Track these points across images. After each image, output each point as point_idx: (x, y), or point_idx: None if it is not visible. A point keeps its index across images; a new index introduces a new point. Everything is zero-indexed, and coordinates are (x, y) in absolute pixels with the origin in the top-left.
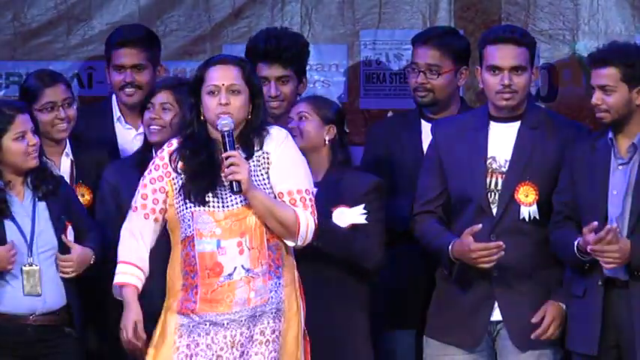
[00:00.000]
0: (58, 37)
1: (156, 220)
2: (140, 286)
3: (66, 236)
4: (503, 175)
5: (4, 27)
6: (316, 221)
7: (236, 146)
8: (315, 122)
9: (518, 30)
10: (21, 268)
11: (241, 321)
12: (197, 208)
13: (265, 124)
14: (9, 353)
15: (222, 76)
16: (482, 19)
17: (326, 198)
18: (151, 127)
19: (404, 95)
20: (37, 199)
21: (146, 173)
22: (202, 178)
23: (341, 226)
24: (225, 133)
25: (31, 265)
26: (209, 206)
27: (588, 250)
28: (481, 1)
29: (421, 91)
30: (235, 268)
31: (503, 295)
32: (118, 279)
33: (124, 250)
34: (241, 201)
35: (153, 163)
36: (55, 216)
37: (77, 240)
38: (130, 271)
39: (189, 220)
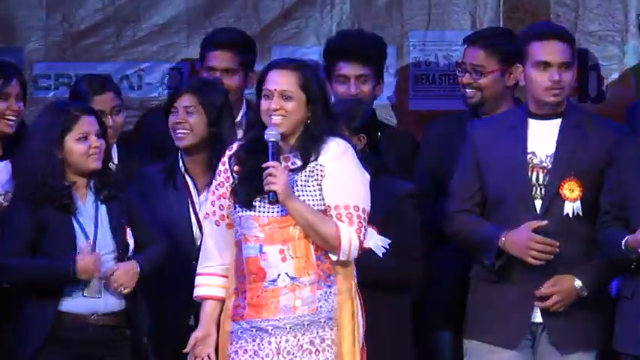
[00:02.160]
0: (107, 39)
1: (228, 225)
2: (220, 293)
3: (125, 239)
4: (545, 170)
5: (54, 28)
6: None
7: (285, 156)
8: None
9: (560, 26)
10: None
11: (286, 328)
12: (244, 213)
13: (327, 133)
14: (69, 352)
15: (276, 80)
16: (532, 20)
17: None
18: (177, 131)
19: (453, 96)
20: (99, 202)
21: (214, 180)
22: (251, 181)
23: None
24: (270, 144)
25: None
26: (254, 211)
27: None
28: (530, 2)
29: (468, 91)
30: (279, 275)
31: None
32: (195, 292)
33: (201, 261)
34: (284, 210)
35: (217, 169)
36: (115, 220)
37: (136, 247)
38: (207, 282)
39: (238, 225)
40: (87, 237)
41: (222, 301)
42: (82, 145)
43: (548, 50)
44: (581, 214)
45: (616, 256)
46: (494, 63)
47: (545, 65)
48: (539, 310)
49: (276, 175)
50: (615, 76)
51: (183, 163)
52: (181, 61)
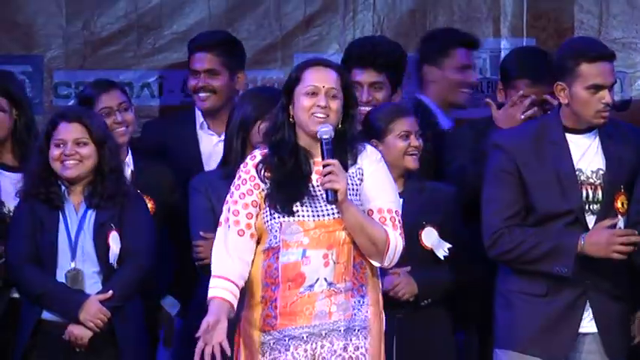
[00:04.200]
0: (128, 46)
1: (252, 235)
2: (232, 300)
3: (107, 243)
4: (592, 186)
5: (74, 36)
6: (404, 244)
7: (315, 160)
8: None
9: (604, 44)
10: (65, 274)
11: (322, 334)
12: (286, 219)
13: (359, 138)
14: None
15: (323, 78)
16: (555, 27)
17: (412, 208)
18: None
19: (476, 105)
20: (87, 207)
21: (233, 189)
22: (290, 187)
23: (426, 244)
24: (324, 141)
25: (74, 270)
26: (298, 216)
27: None
28: (554, 10)
29: None
30: (318, 279)
31: (597, 306)
32: (210, 293)
33: (218, 265)
34: (332, 213)
35: (239, 178)
36: (100, 226)
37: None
38: (222, 285)
39: (276, 231)
40: (69, 236)
41: (231, 307)
42: (55, 151)
43: (602, 72)
44: (622, 227)
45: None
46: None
47: (598, 88)
48: (584, 320)
49: (337, 174)
50: None
51: None
52: None
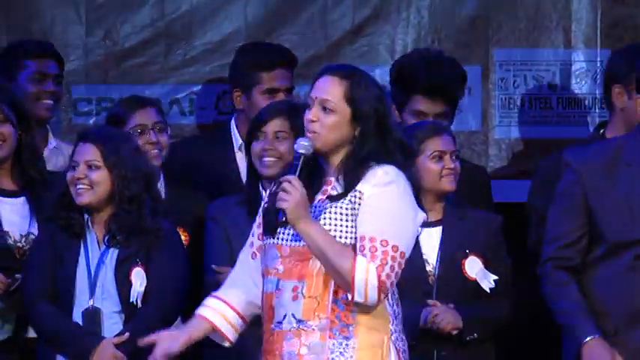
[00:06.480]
0: (155, 58)
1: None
2: (219, 323)
3: (130, 280)
4: None
5: (95, 47)
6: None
7: (327, 179)
8: None
9: None
10: (82, 312)
11: None
12: (268, 241)
13: (376, 158)
14: None
15: (320, 87)
16: (632, 37)
17: (452, 236)
18: (265, 159)
19: (544, 122)
20: (109, 243)
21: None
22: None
23: (470, 274)
24: (297, 155)
25: (93, 309)
26: (278, 239)
27: None
28: (631, 17)
29: None
30: (285, 315)
31: None
32: (198, 310)
33: (224, 287)
34: None
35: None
36: (122, 258)
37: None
38: (214, 306)
39: (263, 255)
40: (89, 271)
41: (215, 330)
42: (70, 173)
43: None
44: None
45: None
46: None
47: None
48: None
49: (288, 192)
50: None
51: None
52: None
